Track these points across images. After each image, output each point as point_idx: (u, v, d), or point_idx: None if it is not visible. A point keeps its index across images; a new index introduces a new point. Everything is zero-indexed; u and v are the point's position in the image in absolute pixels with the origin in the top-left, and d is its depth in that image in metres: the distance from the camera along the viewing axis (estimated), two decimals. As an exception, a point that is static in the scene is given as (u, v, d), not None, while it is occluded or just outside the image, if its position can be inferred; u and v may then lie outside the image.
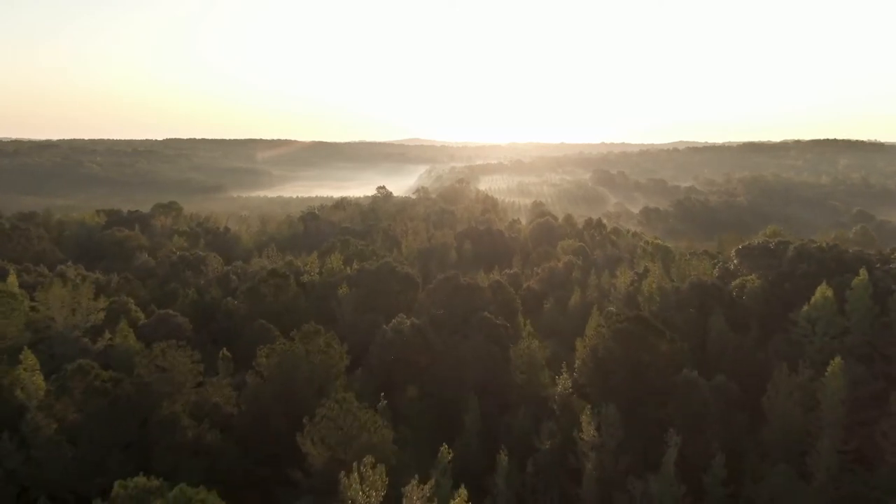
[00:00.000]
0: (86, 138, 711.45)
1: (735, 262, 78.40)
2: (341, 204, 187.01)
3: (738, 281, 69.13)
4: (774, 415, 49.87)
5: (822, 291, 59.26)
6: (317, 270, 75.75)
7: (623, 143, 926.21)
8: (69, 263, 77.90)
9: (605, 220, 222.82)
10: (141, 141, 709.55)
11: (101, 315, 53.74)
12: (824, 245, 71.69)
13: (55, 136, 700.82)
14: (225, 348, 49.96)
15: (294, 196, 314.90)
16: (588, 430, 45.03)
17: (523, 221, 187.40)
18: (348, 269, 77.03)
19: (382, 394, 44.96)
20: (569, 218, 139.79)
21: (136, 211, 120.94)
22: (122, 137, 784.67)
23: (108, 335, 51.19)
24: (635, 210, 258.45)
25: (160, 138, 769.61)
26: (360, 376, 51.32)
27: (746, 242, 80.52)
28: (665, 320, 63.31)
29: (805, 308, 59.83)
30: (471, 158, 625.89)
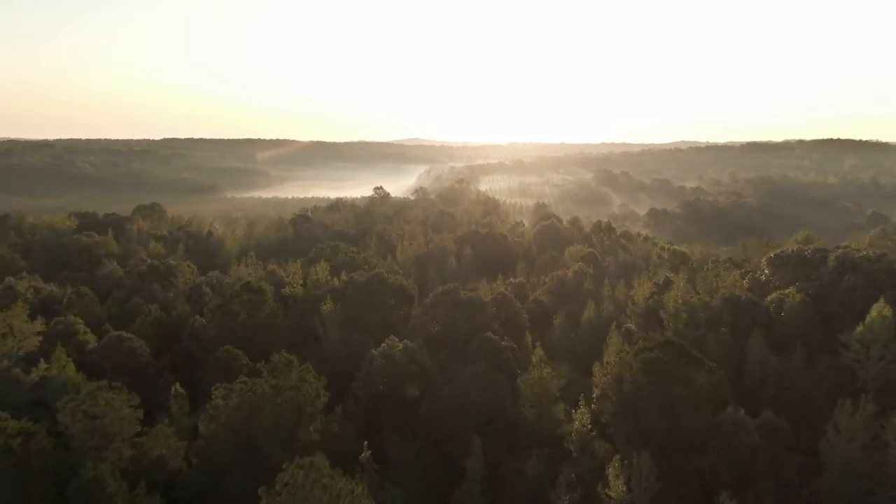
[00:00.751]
0: (83, 138, 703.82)
1: (766, 272, 70.51)
2: (336, 205, 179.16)
3: (774, 295, 61.13)
4: (834, 460, 41.98)
5: (879, 309, 51.43)
6: (300, 282, 67.74)
7: (624, 143, 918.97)
8: (24, 274, 69.83)
9: (611, 223, 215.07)
10: (138, 141, 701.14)
11: (37, 340, 45.68)
12: (871, 254, 63.67)
13: (54, 136, 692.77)
14: (180, 383, 41.91)
15: (289, 197, 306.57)
16: (616, 486, 37.09)
17: (526, 224, 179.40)
18: (336, 279, 69.03)
19: (366, 442, 36.89)
20: (575, 221, 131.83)
21: (113, 214, 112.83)
22: (121, 137, 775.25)
23: (43, 365, 43.12)
24: (641, 211, 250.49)
25: (157, 138, 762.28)
26: (342, 415, 43.28)
27: (779, 250, 72.50)
28: (694, 342, 55.39)
29: (858, 328, 52.15)
30: (471, 158, 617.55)
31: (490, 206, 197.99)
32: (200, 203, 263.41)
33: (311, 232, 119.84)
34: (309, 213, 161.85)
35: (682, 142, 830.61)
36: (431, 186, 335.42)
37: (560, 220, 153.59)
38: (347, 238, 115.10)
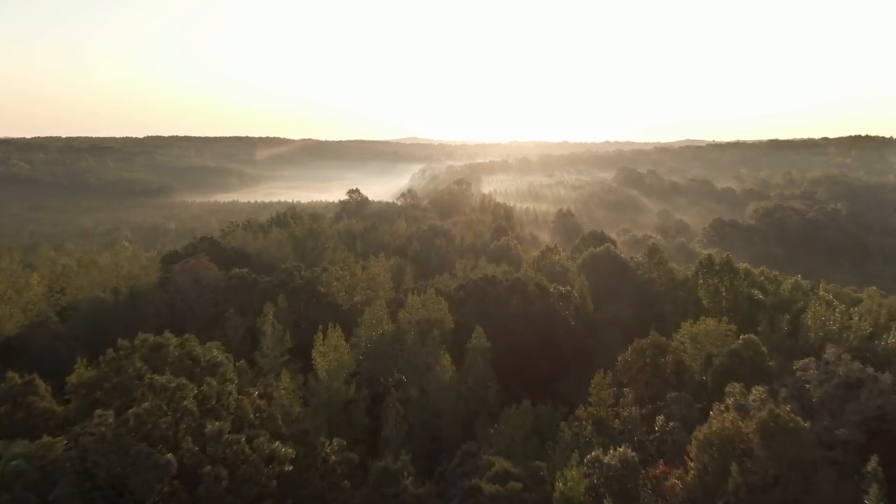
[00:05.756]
0: (64, 136, 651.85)
1: None
2: (283, 218, 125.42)
3: None
4: None
5: None
6: None
7: (628, 142, 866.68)
8: None
9: (656, 238, 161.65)
10: (118, 139, 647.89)
11: None
12: None
13: (46, 135, 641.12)
14: None
15: (252, 201, 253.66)
16: None
17: (550, 240, 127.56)
18: None
19: None
20: (654, 252, 79.07)
21: None
22: (113, 136, 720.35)
23: None
24: (687, 219, 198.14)
25: (142, 136, 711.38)
26: None
27: None
28: None
29: None
30: (470, 157, 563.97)
31: (501, 215, 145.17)
32: (135, 209, 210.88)
33: (202, 279, 67.26)
34: (237, 232, 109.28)
35: (688, 140, 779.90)
36: (426, 188, 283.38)
37: (614, 242, 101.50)
38: (255, 290, 62.81)
